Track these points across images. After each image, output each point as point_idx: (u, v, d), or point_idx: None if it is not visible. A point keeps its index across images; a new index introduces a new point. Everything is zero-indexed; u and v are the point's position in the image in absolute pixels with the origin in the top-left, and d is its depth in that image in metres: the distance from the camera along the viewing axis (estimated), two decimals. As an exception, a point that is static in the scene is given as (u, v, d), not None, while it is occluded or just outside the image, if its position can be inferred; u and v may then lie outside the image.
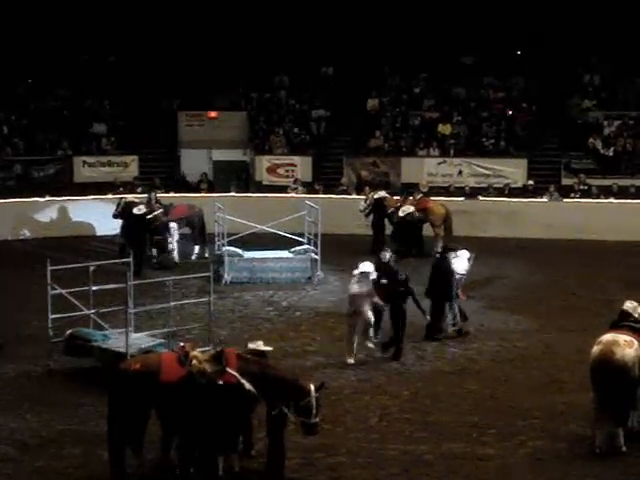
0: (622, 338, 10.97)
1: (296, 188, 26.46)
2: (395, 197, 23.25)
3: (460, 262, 18.35)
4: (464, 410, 12.55)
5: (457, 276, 18.27)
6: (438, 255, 17.36)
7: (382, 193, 23.16)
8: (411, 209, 22.51)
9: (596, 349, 11.05)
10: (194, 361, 10.02)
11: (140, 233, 20.55)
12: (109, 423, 10.25)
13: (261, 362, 10.33)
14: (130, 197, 22.23)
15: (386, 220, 22.82)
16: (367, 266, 14.67)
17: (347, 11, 29.92)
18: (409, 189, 24.38)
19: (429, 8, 29.77)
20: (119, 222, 21.67)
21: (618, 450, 10.97)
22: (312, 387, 10.09)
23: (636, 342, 10.97)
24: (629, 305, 11.43)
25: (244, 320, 16.69)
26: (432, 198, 23.63)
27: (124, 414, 10.07)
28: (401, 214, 22.45)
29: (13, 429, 11.80)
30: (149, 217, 20.90)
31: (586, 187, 25.82)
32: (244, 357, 10.27)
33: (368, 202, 23.00)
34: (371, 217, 22.97)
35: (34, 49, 29.36)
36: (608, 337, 11.08)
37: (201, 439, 10.12)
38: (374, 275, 14.71)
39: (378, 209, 22.77)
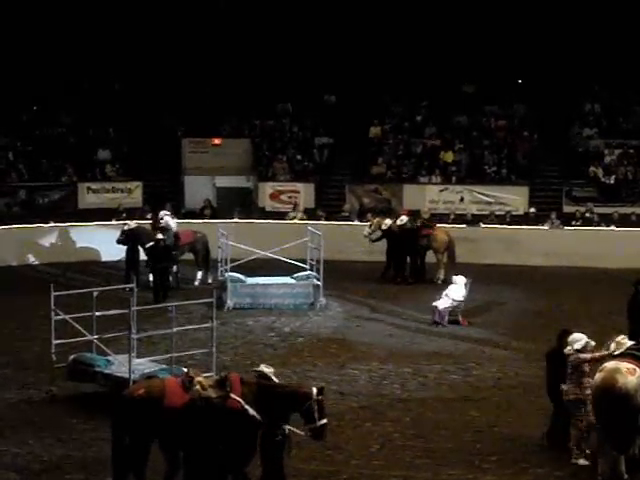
0: (624, 366, 10.95)
1: (295, 216, 26.55)
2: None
3: (457, 288, 18.56)
4: (465, 437, 12.56)
5: (455, 303, 18.48)
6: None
7: (388, 221, 23.06)
8: (405, 219, 22.59)
9: (598, 377, 11.04)
10: (197, 386, 10.07)
11: (161, 261, 20.42)
12: (113, 450, 10.27)
13: (261, 382, 10.33)
14: (133, 223, 22.38)
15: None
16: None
17: (350, 40, 30.19)
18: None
19: (431, 37, 30.02)
20: (123, 248, 21.80)
21: (620, 477, 10.94)
22: (314, 390, 10.10)
23: (638, 370, 10.98)
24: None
25: (246, 346, 16.74)
26: (438, 225, 23.72)
27: (128, 440, 10.10)
28: (399, 222, 22.50)
29: (16, 454, 11.81)
30: (148, 245, 20.98)
31: (592, 215, 25.86)
32: (247, 382, 10.31)
33: (373, 228, 23.05)
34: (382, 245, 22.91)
35: (39, 76, 29.62)
36: (611, 365, 11.06)
37: (205, 465, 10.13)
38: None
39: (390, 237, 22.70)
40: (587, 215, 25.92)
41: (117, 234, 22.00)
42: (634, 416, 10.98)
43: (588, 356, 11.43)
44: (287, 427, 10.23)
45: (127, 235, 21.71)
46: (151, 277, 20.74)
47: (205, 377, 10.54)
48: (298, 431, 10.30)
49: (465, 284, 18.64)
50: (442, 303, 18.39)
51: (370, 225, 23.22)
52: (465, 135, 29.89)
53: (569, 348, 11.59)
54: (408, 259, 22.49)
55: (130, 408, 10.10)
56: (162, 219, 21.83)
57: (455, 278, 18.79)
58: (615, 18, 29.10)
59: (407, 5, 30.50)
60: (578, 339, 11.59)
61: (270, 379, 10.49)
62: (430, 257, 22.66)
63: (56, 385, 14.00)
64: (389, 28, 30.31)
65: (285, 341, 17.31)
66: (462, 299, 18.57)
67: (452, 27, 30.02)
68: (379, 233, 22.92)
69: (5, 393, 14.14)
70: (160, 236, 20.60)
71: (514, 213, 27.01)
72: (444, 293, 18.60)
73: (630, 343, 11.36)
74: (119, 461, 10.18)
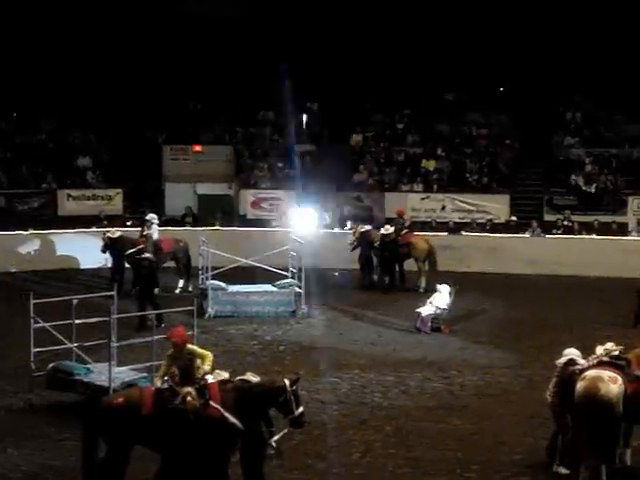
0: (606, 374, 10.95)
1: (279, 225, 26.48)
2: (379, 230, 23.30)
3: (442, 297, 18.61)
4: (447, 445, 12.54)
5: (439, 311, 18.52)
6: None
7: (367, 226, 23.27)
8: (391, 229, 22.62)
9: (580, 385, 11.03)
10: (189, 398, 10.00)
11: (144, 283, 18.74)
12: (84, 458, 10.18)
13: (237, 385, 10.35)
14: (115, 231, 22.27)
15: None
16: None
17: (332, 48, 30.21)
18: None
19: (413, 46, 30.09)
20: (105, 256, 21.71)
21: (601, 486, 10.96)
22: (287, 382, 10.26)
23: (620, 378, 10.99)
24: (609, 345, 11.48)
25: (228, 354, 16.64)
26: (415, 233, 23.77)
27: (106, 450, 10.02)
28: (384, 231, 22.52)
29: (-7, 463, 11.73)
30: (128, 252, 20.83)
31: (571, 223, 26.00)
32: (225, 388, 10.28)
33: (356, 236, 23.07)
34: (357, 251, 23.02)
35: (19, 83, 29.44)
36: (592, 373, 11.06)
37: (184, 474, 10.07)
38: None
39: (363, 242, 22.83)
40: (565, 223, 26.03)
41: (100, 243, 21.90)
42: (616, 425, 10.99)
43: (578, 366, 11.37)
44: (273, 441, 10.30)
45: (106, 244, 21.65)
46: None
47: (185, 387, 10.44)
48: (279, 436, 10.26)
49: (450, 292, 18.67)
50: (426, 310, 18.43)
51: (354, 233, 23.22)
52: (447, 143, 29.96)
53: (560, 360, 11.58)
54: (378, 266, 22.50)
55: (108, 417, 10.01)
56: (152, 224, 21.65)
57: (439, 286, 18.81)
58: (596, 28, 29.26)
59: (389, 14, 30.56)
60: (572, 353, 11.56)
61: (247, 382, 10.46)
62: (411, 266, 22.66)
63: (35, 394, 13.88)
64: (371, 37, 30.35)
65: (266, 349, 17.25)
66: (446, 307, 18.61)
67: (434, 36, 30.09)
68: (356, 240, 22.94)
69: (-16, 402, 14.00)
70: (147, 255, 19.50)
71: (495, 221, 27.09)
72: (428, 300, 18.62)
73: (618, 350, 11.33)
74: (89, 469, 10.10)
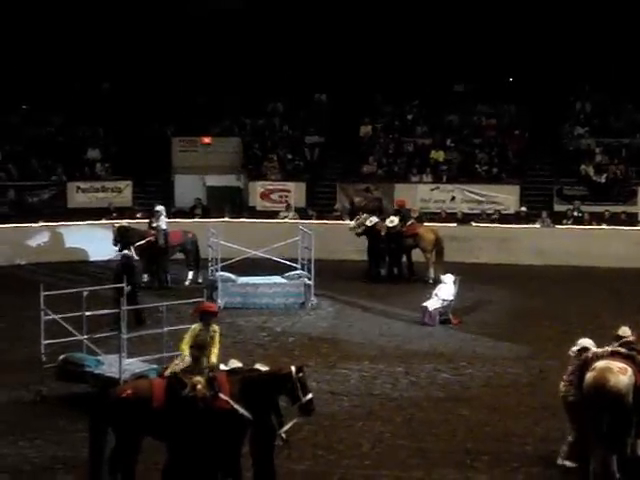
0: (616, 365, 10.90)
1: (287, 216, 26.51)
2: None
3: (446, 287, 18.55)
4: (457, 436, 12.55)
5: (445, 303, 18.46)
6: None
7: (374, 219, 23.17)
8: (396, 221, 22.58)
9: (590, 376, 10.98)
10: (199, 386, 10.04)
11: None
12: (92, 449, 10.22)
13: (245, 375, 10.39)
14: (124, 222, 22.32)
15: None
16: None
17: (340, 39, 30.17)
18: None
19: (422, 37, 30.02)
20: (113, 248, 21.76)
21: (612, 477, 10.92)
22: (293, 369, 10.24)
23: (629, 369, 10.95)
24: (625, 330, 11.42)
25: (237, 346, 16.66)
26: (425, 224, 23.72)
27: (115, 441, 10.06)
28: (389, 223, 22.49)
29: (5, 455, 11.75)
30: (139, 243, 20.91)
31: (581, 214, 25.93)
32: (232, 379, 10.30)
33: (359, 222, 22.98)
34: (365, 243, 23.00)
35: (28, 77, 29.50)
36: (601, 364, 11.02)
37: (194, 466, 10.09)
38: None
39: (372, 235, 22.80)
40: (575, 213, 25.96)
41: (106, 233, 21.96)
42: (626, 415, 10.96)
43: (590, 353, 11.29)
44: (282, 431, 10.27)
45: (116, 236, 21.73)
46: (145, 278, 20.87)
47: (196, 378, 10.49)
48: (288, 426, 10.29)
49: (454, 282, 18.62)
50: (432, 304, 18.34)
51: (357, 219, 23.18)
52: (456, 134, 29.89)
53: (573, 349, 11.53)
54: (387, 259, 22.49)
55: (118, 408, 10.04)
56: (160, 216, 21.70)
57: (443, 277, 18.79)
58: (605, 17, 29.15)
59: (398, 4, 30.48)
60: (585, 342, 11.51)
61: (255, 370, 10.50)
62: (419, 256, 22.63)
63: (46, 385, 13.91)
64: (380, 27, 30.29)
65: (276, 341, 17.27)
66: (452, 298, 18.55)
67: (443, 26, 30.03)
68: (363, 228, 22.88)
69: (-6, 394, 14.06)
70: (126, 252, 18.85)
71: (505, 212, 27.03)
72: (433, 293, 18.58)
73: (632, 336, 11.25)
74: (97, 460, 10.15)
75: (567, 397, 11.48)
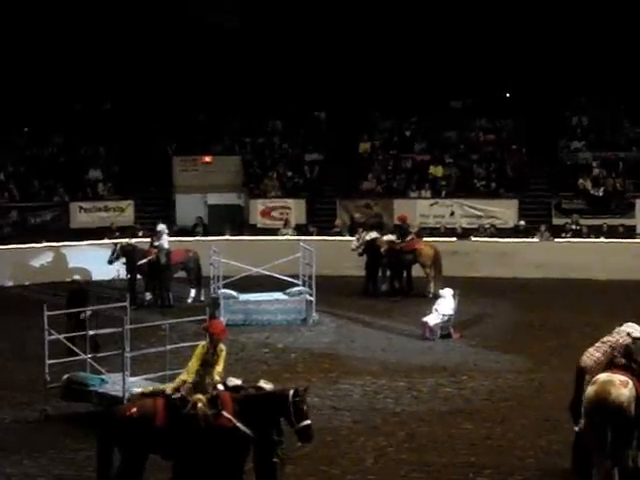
0: (617, 378, 10.87)
1: (286, 233, 26.63)
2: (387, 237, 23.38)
3: (446, 302, 18.64)
4: (460, 450, 12.59)
5: (445, 317, 18.55)
6: None
7: (374, 234, 23.30)
8: (393, 238, 22.68)
9: (591, 389, 10.97)
10: (199, 404, 10.10)
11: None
12: (99, 468, 10.29)
13: (247, 394, 10.37)
14: (124, 241, 22.46)
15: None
16: None
17: (338, 57, 30.37)
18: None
19: (419, 54, 30.24)
20: (113, 267, 21.89)
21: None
22: (290, 393, 10.01)
23: (631, 382, 10.97)
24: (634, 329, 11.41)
25: (240, 362, 16.74)
26: (425, 239, 23.84)
27: (120, 460, 10.14)
28: (387, 238, 22.61)
29: (10, 475, 11.77)
30: (142, 262, 21.13)
31: (579, 227, 26.06)
32: (236, 397, 10.33)
33: (360, 242, 23.15)
34: (364, 258, 23.13)
35: (30, 98, 29.70)
36: (603, 377, 11.01)
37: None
38: None
39: (371, 250, 22.93)
40: (573, 227, 26.09)
41: (108, 253, 22.10)
42: (627, 428, 10.99)
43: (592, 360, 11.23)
44: (280, 450, 10.25)
45: (118, 255, 21.86)
46: (147, 296, 21.18)
47: (197, 396, 10.56)
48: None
49: (453, 295, 18.72)
50: (432, 319, 18.42)
51: (358, 239, 23.32)
52: (454, 149, 30.06)
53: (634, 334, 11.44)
54: (388, 273, 22.63)
55: (122, 427, 10.13)
56: (162, 235, 21.87)
57: (442, 292, 18.90)
58: (601, 32, 29.34)
59: (396, 22, 30.70)
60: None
61: (261, 389, 10.49)
62: (418, 271, 22.73)
63: (50, 405, 13.99)
64: (378, 45, 30.50)
65: (278, 357, 17.35)
66: (452, 312, 18.63)
67: (440, 43, 30.23)
68: (363, 247, 23.02)
69: (-1, 414, 14.14)
70: (75, 278, 18.28)
71: (503, 226, 27.14)
72: (433, 308, 18.67)
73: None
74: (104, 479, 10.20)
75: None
